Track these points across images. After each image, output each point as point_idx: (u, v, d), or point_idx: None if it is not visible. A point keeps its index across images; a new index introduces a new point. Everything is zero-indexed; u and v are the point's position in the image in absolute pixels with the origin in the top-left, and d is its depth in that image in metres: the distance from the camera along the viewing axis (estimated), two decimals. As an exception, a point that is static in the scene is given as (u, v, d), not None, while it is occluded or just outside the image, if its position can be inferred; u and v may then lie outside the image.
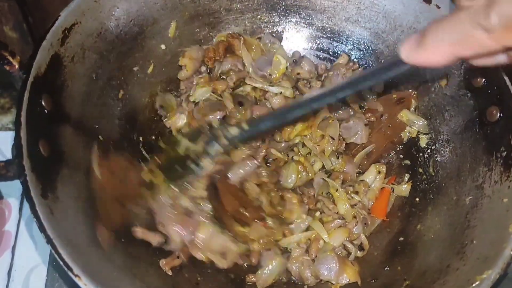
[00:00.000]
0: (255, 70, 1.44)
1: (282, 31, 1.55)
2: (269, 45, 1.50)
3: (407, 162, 1.42)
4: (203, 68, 1.48)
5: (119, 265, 1.05)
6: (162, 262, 1.16)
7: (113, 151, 1.27)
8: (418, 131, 1.40)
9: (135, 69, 1.38)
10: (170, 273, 1.16)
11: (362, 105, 1.47)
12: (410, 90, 1.42)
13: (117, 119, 1.33)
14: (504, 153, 1.13)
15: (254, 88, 1.43)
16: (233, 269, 1.23)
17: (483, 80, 1.22)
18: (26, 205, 1.37)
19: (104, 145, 1.25)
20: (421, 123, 1.39)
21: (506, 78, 1.15)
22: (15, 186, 1.42)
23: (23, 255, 1.34)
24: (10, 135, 1.53)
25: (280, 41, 1.54)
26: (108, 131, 1.29)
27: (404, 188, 1.37)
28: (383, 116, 1.43)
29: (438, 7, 1.30)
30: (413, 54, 0.79)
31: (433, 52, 0.76)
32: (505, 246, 1.00)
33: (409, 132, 1.42)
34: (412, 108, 1.41)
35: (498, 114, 1.17)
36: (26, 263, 1.33)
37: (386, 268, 1.23)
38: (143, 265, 1.14)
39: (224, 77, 1.44)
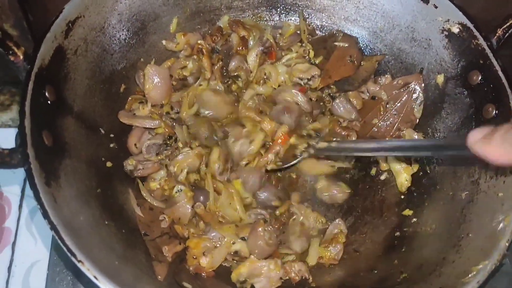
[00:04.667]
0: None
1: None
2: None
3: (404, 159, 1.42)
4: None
5: (120, 254, 1.06)
6: (165, 249, 1.17)
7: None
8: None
9: (136, 64, 1.40)
10: (170, 259, 1.17)
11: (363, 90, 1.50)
12: (414, 74, 1.43)
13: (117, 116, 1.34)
14: (500, 149, 1.15)
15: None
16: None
17: (479, 78, 1.24)
18: (26, 202, 1.41)
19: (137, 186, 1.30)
20: None
21: (502, 75, 1.18)
22: (15, 183, 1.43)
23: (23, 251, 1.35)
24: (9, 132, 1.53)
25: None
26: (109, 125, 1.30)
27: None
28: (388, 104, 1.44)
29: (436, 7, 1.32)
30: (478, 144, 0.85)
31: (495, 149, 0.82)
32: (500, 238, 1.02)
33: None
34: None
35: (494, 111, 1.19)
36: (26, 259, 1.34)
37: (382, 262, 1.24)
38: (144, 256, 1.15)
39: (233, 74, 1.45)
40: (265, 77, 1.43)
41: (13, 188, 1.44)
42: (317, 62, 1.48)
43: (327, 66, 1.45)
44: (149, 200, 1.28)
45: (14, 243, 1.36)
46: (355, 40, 1.48)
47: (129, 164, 1.30)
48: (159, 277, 1.11)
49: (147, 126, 1.34)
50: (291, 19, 1.54)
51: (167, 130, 1.34)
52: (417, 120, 1.42)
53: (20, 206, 1.42)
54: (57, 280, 1.30)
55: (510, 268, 1.37)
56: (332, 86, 1.47)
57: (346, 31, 1.51)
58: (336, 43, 1.48)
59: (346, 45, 1.46)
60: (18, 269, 1.32)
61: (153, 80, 1.35)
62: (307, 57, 1.49)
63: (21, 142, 0.96)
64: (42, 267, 1.32)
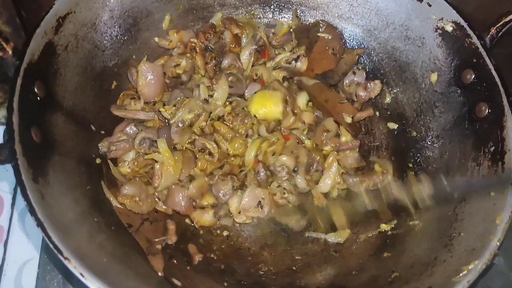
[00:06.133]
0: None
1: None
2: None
3: (398, 157, 1.42)
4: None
5: (110, 252, 1.05)
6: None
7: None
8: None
9: (128, 61, 1.39)
10: (160, 247, 1.18)
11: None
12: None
13: (110, 110, 1.33)
14: (492, 148, 1.15)
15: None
16: (223, 260, 1.25)
17: (473, 76, 1.23)
18: (18, 200, 1.39)
19: (108, 175, 1.27)
20: None
21: (495, 74, 1.18)
22: (7, 180, 1.42)
23: (15, 249, 1.34)
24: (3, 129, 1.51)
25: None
26: (100, 122, 1.29)
27: None
28: None
29: (430, 5, 1.31)
30: None
31: None
32: (492, 237, 1.02)
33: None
34: None
35: (487, 110, 1.19)
36: (18, 257, 1.33)
37: (374, 261, 1.23)
38: (134, 253, 1.14)
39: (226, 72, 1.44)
40: (255, 77, 1.42)
41: (6, 186, 1.43)
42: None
43: (310, 57, 1.45)
44: (119, 179, 1.28)
45: (6, 241, 1.35)
46: (338, 32, 1.47)
47: (103, 146, 1.29)
48: (160, 273, 1.11)
49: (142, 118, 1.34)
50: (284, 17, 1.54)
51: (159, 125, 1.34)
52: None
53: (13, 204, 1.40)
54: (47, 279, 1.29)
55: (504, 267, 1.37)
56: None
57: (339, 29, 1.50)
58: (319, 34, 1.47)
59: (330, 36, 1.46)
60: (10, 268, 1.31)
61: (146, 77, 1.34)
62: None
63: (9, 138, 0.95)
64: (34, 266, 1.31)
